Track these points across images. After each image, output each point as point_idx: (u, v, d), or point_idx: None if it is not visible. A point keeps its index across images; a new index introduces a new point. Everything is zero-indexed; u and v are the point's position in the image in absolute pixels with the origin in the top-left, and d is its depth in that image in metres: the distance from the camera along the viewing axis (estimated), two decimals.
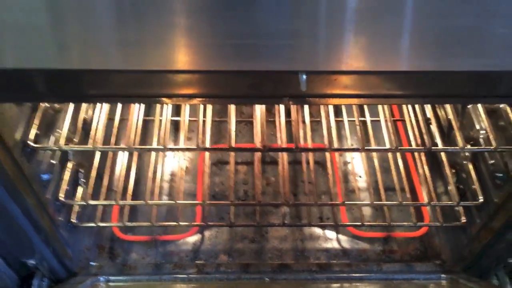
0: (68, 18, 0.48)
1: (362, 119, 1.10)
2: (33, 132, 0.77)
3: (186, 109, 1.03)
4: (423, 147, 0.90)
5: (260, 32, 0.48)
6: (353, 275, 0.97)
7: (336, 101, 0.57)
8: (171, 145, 1.07)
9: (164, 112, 1.01)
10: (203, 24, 0.48)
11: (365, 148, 0.88)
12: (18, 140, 0.74)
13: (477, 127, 0.93)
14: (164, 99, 0.59)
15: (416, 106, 1.08)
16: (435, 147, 0.89)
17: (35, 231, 0.83)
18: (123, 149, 0.95)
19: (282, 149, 1.09)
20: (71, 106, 0.90)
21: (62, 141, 0.82)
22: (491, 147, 0.82)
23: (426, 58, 0.50)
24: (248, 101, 0.79)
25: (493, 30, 0.48)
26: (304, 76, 0.50)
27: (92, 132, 0.93)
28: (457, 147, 0.87)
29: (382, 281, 0.97)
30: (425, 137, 0.92)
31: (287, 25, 0.48)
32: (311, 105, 1.08)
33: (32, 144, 0.76)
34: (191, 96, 0.59)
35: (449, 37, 0.49)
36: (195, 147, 0.91)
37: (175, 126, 1.20)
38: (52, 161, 0.86)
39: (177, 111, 1.16)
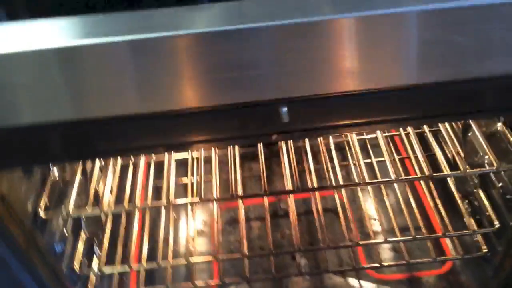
0: None
1: (367, 160, 1.11)
2: (43, 202, 0.80)
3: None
4: (424, 175, 0.89)
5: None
6: None
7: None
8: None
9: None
10: None
11: (366, 182, 0.88)
12: (29, 211, 0.77)
13: (481, 153, 0.93)
14: None
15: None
16: (438, 173, 0.89)
17: None
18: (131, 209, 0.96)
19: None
20: (80, 178, 0.93)
21: (71, 208, 0.85)
22: (493, 168, 0.81)
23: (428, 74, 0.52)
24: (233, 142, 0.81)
25: None
26: (285, 108, 0.52)
27: (102, 198, 0.96)
28: (459, 172, 0.86)
29: None
30: (428, 167, 0.91)
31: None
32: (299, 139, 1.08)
33: (42, 213, 0.79)
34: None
35: None
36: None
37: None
38: (64, 231, 0.88)
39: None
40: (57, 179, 0.87)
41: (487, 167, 0.89)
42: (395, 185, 1.12)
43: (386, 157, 1.04)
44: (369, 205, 1.20)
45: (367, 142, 1.24)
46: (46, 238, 0.82)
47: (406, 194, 1.10)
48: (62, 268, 0.87)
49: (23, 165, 0.71)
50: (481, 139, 0.89)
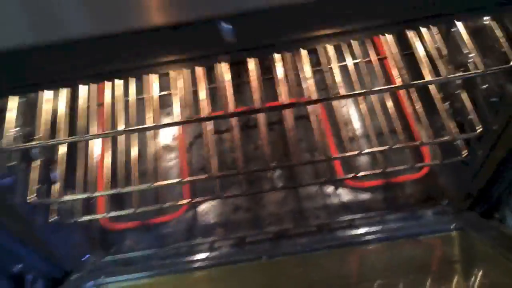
0: None
1: (343, 63, 1.01)
2: None
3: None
4: (403, 85, 0.81)
5: None
6: (356, 240, 0.90)
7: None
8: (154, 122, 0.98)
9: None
10: None
11: (340, 95, 0.80)
12: None
13: (464, 51, 0.84)
14: None
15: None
16: (417, 81, 0.80)
17: (11, 239, 0.80)
18: (93, 137, 0.88)
19: (285, 106, 0.99)
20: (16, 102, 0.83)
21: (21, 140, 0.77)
22: (479, 71, 0.73)
23: None
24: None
25: None
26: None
27: (58, 125, 0.87)
28: (441, 78, 0.78)
29: (388, 242, 0.90)
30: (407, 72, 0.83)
31: None
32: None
33: None
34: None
35: None
36: (191, 119, 0.83)
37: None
38: (10, 163, 0.81)
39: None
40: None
41: (471, 68, 0.81)
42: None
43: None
44: (344, 111, 1.13)
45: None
46: None
47: (383, 99, 1.03)
48: (15, 201, 0.81)
49: None
50: (465, 37, 0.79)
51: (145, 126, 0.81)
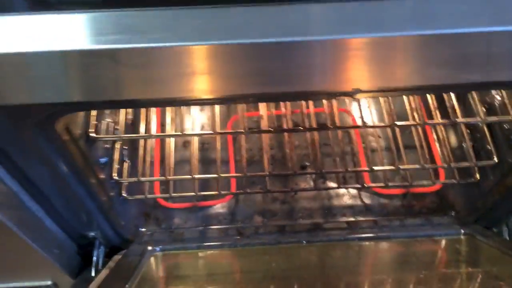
0: None
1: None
2: (92, 124, 0.85)
3: None
4: (447, 120, 0.98)
5: None
6: (380, 234, 1.07)
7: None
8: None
9: None
10: None
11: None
12: (81, 132, 0.82)
13: (493, 92, 1.00)
14: None
15: None
16: (459, 120, 0.98)
17: (96, 207, 0.93)
18: (174, 136, 1.02)
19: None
20: None
21: (121, 131, 0.90)
22: (509, 117, 0.90)
23: None
24: None
25: None
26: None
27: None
28: (475, 119, 0.94)
29: (406, 239, 1.07)
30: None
31: None
32: None
33: (93, 135, 0.84)
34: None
35: None
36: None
37: None
38: (106, 145, 0.94)
39: None
40: None
41: (497, 108, 0.97)
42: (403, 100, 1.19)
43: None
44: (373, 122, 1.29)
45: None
46: (93, 153, 0.88)
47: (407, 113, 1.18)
48: (104, 176, 0.95)
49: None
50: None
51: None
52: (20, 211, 0.80)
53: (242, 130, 0.94)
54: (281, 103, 1.22)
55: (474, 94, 1.00)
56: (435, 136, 1.21)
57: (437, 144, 1.20)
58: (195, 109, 1.29)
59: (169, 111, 1.15)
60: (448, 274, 0.92)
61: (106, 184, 0.96)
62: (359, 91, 0.53)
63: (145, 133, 1.07)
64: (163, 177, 1.01)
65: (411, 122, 0.98)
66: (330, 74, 0.52)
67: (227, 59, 0.50)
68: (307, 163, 1.26)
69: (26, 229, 0.81)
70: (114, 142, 0.99)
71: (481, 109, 0.97)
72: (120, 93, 0.51)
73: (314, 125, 1.14)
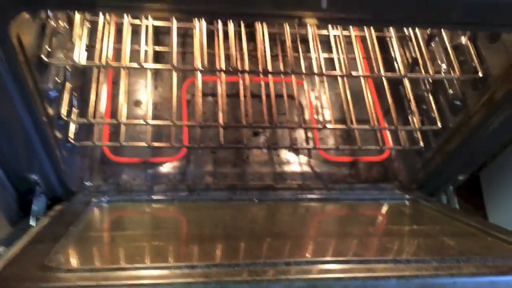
0: None
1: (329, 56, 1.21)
2: (45, 48, 0.81)
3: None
4: (396, 74, 1.03)
5: None
6: (330, 196, 1.09)
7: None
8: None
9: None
10: None
11: (324, 73, 0.99)
12: (34, 54, 0.78)
13: (439, 61, 1.07)
14: None
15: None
16: (408, 74, 1.02)
17: (42, 146, 0.88)
18: (134, 68, 0.98)
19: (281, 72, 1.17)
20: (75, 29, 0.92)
21: (76, 58, 0.86)
22: (454, 75, 0.95)
23: None
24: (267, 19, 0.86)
25: None
26: None
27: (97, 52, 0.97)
28: (428, 74, 0.99)
29: (355, 201, 1.10)
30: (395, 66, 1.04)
31: None
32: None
33: (45, 58, 0.80)
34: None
35: None
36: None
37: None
38: (57, 79, 0.90)
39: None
40: (56, 28, 0.87)
41: (443, 74, 1.03)
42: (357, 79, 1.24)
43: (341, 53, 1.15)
44: (327, 94, 1.32)
45: (336, 38, 1.32)
46: (44, 82, 0.84)
47: (361, 90, 1.23)
48: (52, 113, 0.90)
49: (39, 7, 0.71)
50: (446, 49, 1.01)
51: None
52: None
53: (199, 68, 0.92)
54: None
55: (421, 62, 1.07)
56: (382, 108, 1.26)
57: (384, 120, 1.26)
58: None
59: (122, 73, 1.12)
60: (395, 230, 0.96)
61: (54, 123, 0.91)
62: None
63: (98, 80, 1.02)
64: (114, 120, 0.97)
65: (360, 72, 1.02)
66: None
67: None
68: (260, 130, 1.26)
69: None
70: (65, 82, 0.95)
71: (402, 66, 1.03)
72: None
73: (273, 94, 1.16)
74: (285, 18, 0.69)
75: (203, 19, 1.06)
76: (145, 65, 0.90)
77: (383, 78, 1.15)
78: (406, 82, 1.18)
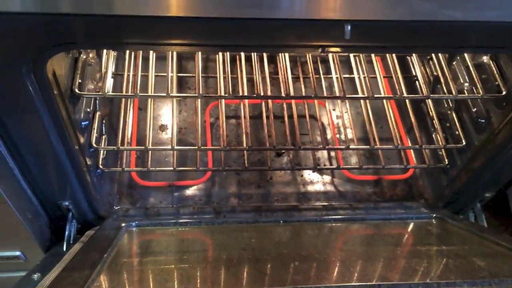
0: None
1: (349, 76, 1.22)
2: (77, 81, 0.84)
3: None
4: (419, 95, 1.03)
5: None
6: (355, 216, 1.09)
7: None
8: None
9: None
10: None
11: (347, 96, 0.99)
12: (67, 87, 0.81)
13: (461, 80, 1.07)
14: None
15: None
16: (431, 95, 1.03)
17: (74, 174, 0.91)
18: (161, 97, 1.01)
19: (304, 97, 1.19)
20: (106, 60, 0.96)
21: (106, 90, 0.89)
22: (478, 95, 0.96)
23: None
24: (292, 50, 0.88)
25: None
26: (349, 26, 0.60)
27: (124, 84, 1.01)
28: (451, 95, 1.00)
29: (381, 221, 1.10)
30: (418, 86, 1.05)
31: None
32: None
33: (78, 91, 0.83)
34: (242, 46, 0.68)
35: None
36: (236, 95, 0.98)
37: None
38: (87, 109, 0.93)
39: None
40: (87, 60, 0.90)
41: (466, 94, 1.03)
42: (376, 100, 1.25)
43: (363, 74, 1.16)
44: (349, 114, 1.33)
45: (356, 58, 1.33)
46: (76, 113, 0.87)
47: (383, 109, 1.24)
48: (83, 142, 0.93)
49: (74, 47, 0.74)
50: (468, 68, 1.02)
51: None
52: None
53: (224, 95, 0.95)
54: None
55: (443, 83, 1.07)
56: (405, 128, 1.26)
57: (407, 137, 1.26)
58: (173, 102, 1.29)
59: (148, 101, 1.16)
60: (422, 251, 0.95)
61: (85, 151, 0.94)
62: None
63: (125, 109, 1.06)
64: (142, 147, 1.00)
65: (382, 93, 1.02)
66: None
67: None
68: (283, 151, 1.28)
69: (1, 183, 0.78)
70: (95, 111, 0.98)
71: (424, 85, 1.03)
72: (109, 6, 0.52)
73: (295, 115, 1.18)
74: (309, 48, 0.71)
75: None
76: (172, 94, 0.92)
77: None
78: (429, 101, 1.18)
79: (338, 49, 0.66)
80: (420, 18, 0.62)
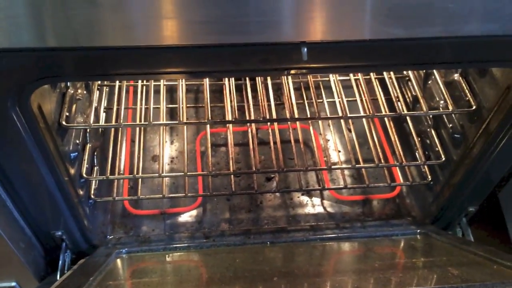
0: None
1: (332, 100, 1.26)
2: (64, 114, 0.89)
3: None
4: (394, 113, 1.07)
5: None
6: (342, 234, 1.12)
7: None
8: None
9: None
10: None
11: (348, 116, 1.03)
12: (54, 120, 0.86)
13: (437, 98, 1.11)
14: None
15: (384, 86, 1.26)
16: (404, 112, 1.07)
17: (65, 204, 0.95)
18: (144, 125, 1.07)
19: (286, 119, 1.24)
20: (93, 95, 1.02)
21: (91, 121, 0.95)
22: (449, 110, 0.99)
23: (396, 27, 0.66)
24: (257, 74, 0.94)
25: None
26: (305, 49, 0.65)
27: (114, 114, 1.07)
28: (422, 112, 1.04)
29: (366, 239, 1.12)
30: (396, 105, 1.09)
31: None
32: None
33: (64, 123, 0.88)
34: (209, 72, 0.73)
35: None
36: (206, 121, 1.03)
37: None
38: (77, 141, 0.98)
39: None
40: (75, 95, 0.96)
41: (441, 110, 1.07)
42: (362, 121, 1.29)
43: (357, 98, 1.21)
44: (336, 138, 1.37)
45: (337, 83, 1.38)
46: (64, 145, 0.92)
47: (365, 131, 1.28)
48: (73, 173, 0.98)
49: (57, 80, 0.80)
50: (440, 86, 1.06)
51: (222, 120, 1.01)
52: None
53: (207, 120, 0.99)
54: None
55: (422, 101, 1.11)
56: (390, 147, 1.29)
57: (393, 156, 1.29)
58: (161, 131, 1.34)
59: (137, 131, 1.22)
60: (402, 263, 0.97)
61: (75, 182, 0.99)
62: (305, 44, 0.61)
63: (114, 138, 1.11)
64: (130, 175, 1.04)
65: (361, 114, 1.06)
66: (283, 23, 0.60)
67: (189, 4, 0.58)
68: (272, 175, 1.31)
69: None
70: (85, 143, 1.03)
71: (425, 107, 1.06)
72: (92, 39, 0.57)
73: (278, 141, 1.23)
74: (273, 71, 0.76)
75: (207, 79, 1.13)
76: (154, 122, 0.97)
77: (385, 118, 1.20)
78: (409, 120, 1.22)
79: (299, 71, 0.70)
80: (375, 37, 0.67)
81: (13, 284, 1.01)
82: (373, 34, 0.65)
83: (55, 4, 0.57)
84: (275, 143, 1.25)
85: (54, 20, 0.57)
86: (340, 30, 0.65)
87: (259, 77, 1.26)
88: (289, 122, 1.30)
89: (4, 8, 0.57)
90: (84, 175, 1.01)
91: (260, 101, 1.17)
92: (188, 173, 1.07)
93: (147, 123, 0.96)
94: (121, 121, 0.97)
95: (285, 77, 1.23)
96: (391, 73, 1.29)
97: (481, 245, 0.93)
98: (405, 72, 1.27)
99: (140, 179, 1.13)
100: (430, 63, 0.77)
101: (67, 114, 0.90)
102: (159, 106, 1.11)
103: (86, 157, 1.03)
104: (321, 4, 0.61)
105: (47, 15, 0.57)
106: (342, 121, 1.26)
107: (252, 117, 1.14)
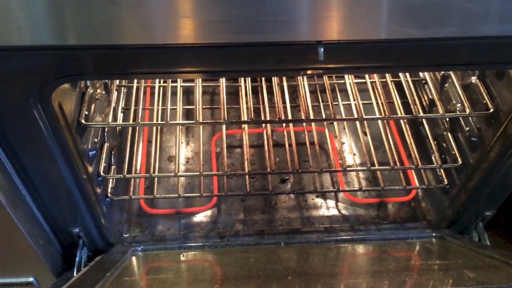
0: None
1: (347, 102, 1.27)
2: (83, 113, 0.91)
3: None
4: (410, 115, 1.07)
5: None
6: (356, 237, 1.11)
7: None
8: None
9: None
10: None
11: (364, 117, 1.03)
12: (74, 119, 0.88)
13: (454, 101, 1.10)
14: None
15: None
16: (421, 114, 1.06)
17: (83, 202, 0.97)
18: (161, 124, 1.08)
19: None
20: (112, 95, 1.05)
21: (109, 120, 0.97)
22: (466, 113, 0.99)
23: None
24: (274, 74, 0.95)
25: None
26: (322, 49, 0.65)
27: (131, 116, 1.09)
28: (439, 114, 1.03)
29: (381, 241, 1.11)
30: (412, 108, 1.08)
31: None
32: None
33: (84, 122, 0.90)
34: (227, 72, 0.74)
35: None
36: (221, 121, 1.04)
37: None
38: (95, 140, 1.00)
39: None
40: (94, 94, 0.98)
41: (458, 113, 1.07)
42: (379, 123, 1.29)
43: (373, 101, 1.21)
44: (351, 141, 1.37)
45: (353, 86, 1.38)
46: (83, 144, 0.94)
47: (381, 134, 1.28)
48: (92, 171, 0.99)
49: (79, 78, 0.82)
50: (457, 89, 1.05)
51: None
52: (11, 191, 0.84)
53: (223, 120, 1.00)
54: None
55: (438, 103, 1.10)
56: (405, 150, 1.29)
57: (408, 161, 1.28)
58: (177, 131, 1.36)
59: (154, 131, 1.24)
60: (417, 266, 0.97)
61: (93, 180, 1.00)
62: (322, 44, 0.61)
63: (132, 139, 1.12)
64: (147, 174, 1.06)
65: (377, 116, 1.06)
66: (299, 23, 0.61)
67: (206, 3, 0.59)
68: (286, 177, 1.32)
69: (14, 208, 0.84)
70: (103, 142, 1.05)
71: (442, 109, 1.06)
72: (112, 37, 0.59)
73: (294, 143, 1.23)
74: (290, 71, 0.77)
75: (224, 78, 1.14)
76: (171, 122, 0.99)
77: (401, 121, 1.19)
78: (425, 123, 1.21)
79: (316, 71, 0.71)
80: (391, 37, 0.67)
81: (31, 279, 1.03)
82: (389, 34, 0.65)
83: (76, 3, 0.58)
84: (290, 145, 1.25)
85: (75, 19, 0.58)
86: (357, 30, 0.65)
87: (275, 79, 1.27)
88: (304, 124, 1.31)
89: (25, 8, 0.59)
90: (102, 174, 1.02)
91: (275, 103, 1.17)
92: (204, 173, 1.08)
93: (164, 122, 0.98)
94: (138, 120, 0.98)
95: (300, 79, 1.23)
96: (408, 76, 1.28)
97: (498, 249, 0.92)
98: (421, 75, 1.26)
99: (156, 179, 1.14)
100: (447, 64, 0.77)
101: (86, 113, 0.92)
102: (175, 107, 1.13)
103: (104, 156, 1.05)
104: (337, 4, 0.61)
105: (68, 14, 0.59)
106: (357, 124, 1.26)
107: (268, 119, 1.14)
